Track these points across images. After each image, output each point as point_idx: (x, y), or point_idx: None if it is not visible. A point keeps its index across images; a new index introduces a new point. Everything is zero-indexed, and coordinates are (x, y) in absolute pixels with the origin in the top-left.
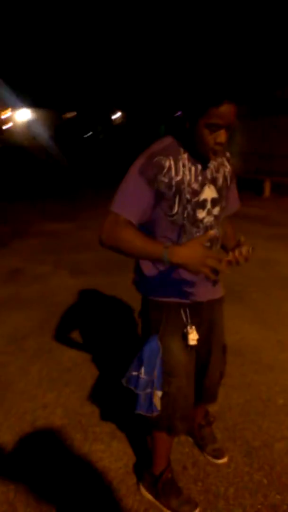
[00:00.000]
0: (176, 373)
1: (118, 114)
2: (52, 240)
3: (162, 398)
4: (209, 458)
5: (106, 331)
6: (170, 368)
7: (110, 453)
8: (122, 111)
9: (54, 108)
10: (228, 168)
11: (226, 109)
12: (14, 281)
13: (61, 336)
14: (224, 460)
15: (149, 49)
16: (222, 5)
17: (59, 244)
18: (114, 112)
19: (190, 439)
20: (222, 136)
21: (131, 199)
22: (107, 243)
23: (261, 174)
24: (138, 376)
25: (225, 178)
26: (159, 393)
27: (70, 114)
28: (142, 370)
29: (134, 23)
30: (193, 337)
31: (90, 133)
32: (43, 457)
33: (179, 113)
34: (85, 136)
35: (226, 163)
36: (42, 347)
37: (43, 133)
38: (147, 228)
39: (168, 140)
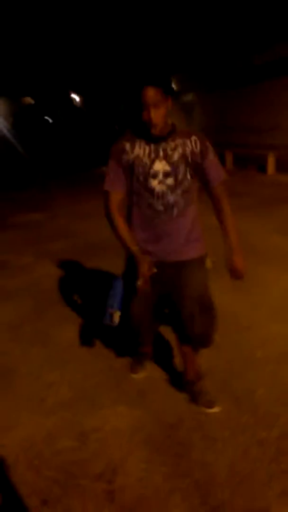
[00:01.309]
0: (132, 302)
1: (77, 97)
2: (29, 231)
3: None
4: (203, 408)
5: (95, 309)
6: (127, 299)
7: (116, 416)
8: (80, 94)
9: (10, 96)
10: (190, 147)
11: (145, 92)
12: (0, 273)
13: (55, 319)
14: (216, 409)
15: (103, 35)
16: None
17: (36, 235)
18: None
19: (186, 397)
20: (150, 112)
21: (112, 178)
22: (106, 217)
23: (222, 147)
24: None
25: (183, 155)
26: (118, 312)
27: (27, 101)
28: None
29: (88, 12)
30: (139, 282)
31: (50, 120)
32: (58, 427)
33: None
34: (47, 121)
35: (189, 143)
36: (38, 332)
37: (2, 123)
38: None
39: (127, 133)
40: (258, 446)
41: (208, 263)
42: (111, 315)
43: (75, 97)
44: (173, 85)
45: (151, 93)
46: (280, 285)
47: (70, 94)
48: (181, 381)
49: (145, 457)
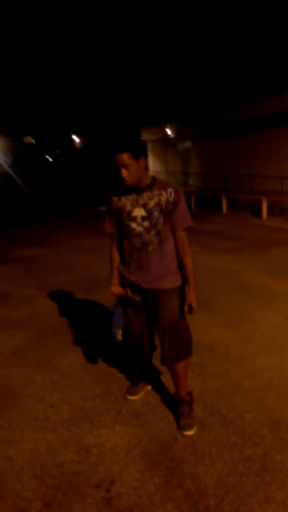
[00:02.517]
0: (129, 322)
1: (77, 139)
2: (30, 265)
3: (122, 334)
4: (180, 430)
5: (95, 339)
6: (125, 318)
7: (114, 434)
8: (80, 136)
9: (11, 135)
10: (165, 197)
11: (117, 157)
12: (3, 304)
13: (56, 347)
14: (190, 432)
15: (105, 80)
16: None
17: (37, 268)
18: (74, 136)
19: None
20: (122, 172)
21: (107, 222)
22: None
23: (218, 192)
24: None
25: (158, 203)
26: (120, 331)
27: (28, 140)
28: (112, 322)
29: (91, 56)
30: (137, 297)
31: (50, 159)
32: (59, 442)
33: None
34: (47, 159)
35: (165, 194)
36: (41, 359)
37: (3, 161)
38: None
39: (115, 187)
40: (244, 462)
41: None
42: (115, 334)
43: (76, 139)
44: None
45: (121, 157)
46: (268, 322)
47: (70, 135)
48: (175, 402)
49: (140, 470)
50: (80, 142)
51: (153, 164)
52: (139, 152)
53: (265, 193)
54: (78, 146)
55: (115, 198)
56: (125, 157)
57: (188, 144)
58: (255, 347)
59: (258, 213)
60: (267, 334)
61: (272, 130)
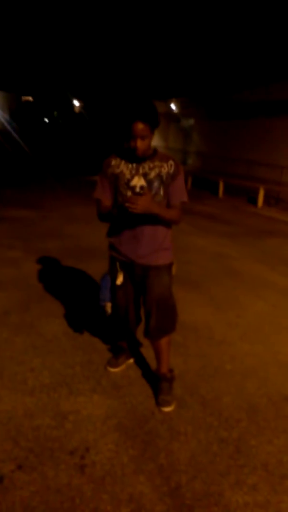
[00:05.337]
0: (116, 295)
1: (77, 103)
2: (19, 227)
3: (111, 306)
4: (158, 406)
5: (81, 308)
6: (113, 292)
7: (92, 403)
8: (80, 100)
9: (11, 91)
10: (166, 169)
11: (136, 125)
12: None
13: (41, 313)
14: (168, 409)
15: (106, 48)
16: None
17: (26, 231)
18: (74, 100)
19: None
20: (137, 142)
21: (101, 188)
22: (99, 218)
23: (216, 175)
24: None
25: (158, 175)
26: (109, 304)
27: (26, 98)
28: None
29: (93, 22)
30: (119, 280)
31: (47, 120)
32: (37, 406)
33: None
34: (44, 120)
35: (166, 166)
36: (24, 322)
37: (1, 115)
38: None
39: (113, 155)
40: (219, 443)
41: (174, 270)
42: (104, 307)
43: (75, 102)
44: (175, 108)
45: (140, 127)
46: (254, 309)
47: (69, 98)
48: (155, 378)
49: (115, 441)
50: (79, 106)
51: (154, 139)
52: (156, 125)
53: (263, 181)
54: (77, 110)
55: (114, 164)
56: (144, 128)
57: (190, 122)
58: (240, 332)
59: (254, 201)
60: (252, 321)
61: (276, 118)
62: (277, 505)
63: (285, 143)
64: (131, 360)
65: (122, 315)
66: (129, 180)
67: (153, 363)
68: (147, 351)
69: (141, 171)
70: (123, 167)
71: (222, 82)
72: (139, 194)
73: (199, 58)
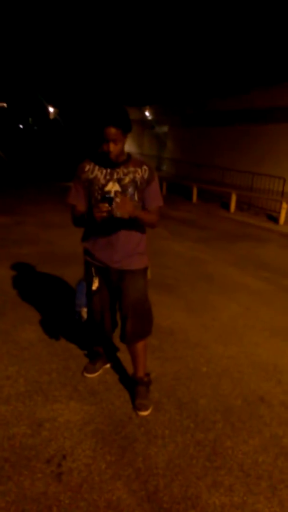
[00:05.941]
0: (91, 301)
1: (51, 109)
2: None
3: (87, 312)
4: (135, 410)
5: (56, 314)
6: (89, 298)
7: (69, 410)
8: (55, 107)
9: None
10: (140, 174)
11: (108, 130)
12: None
13: (16, 320)
14: (145, 413)
15: (81, 54)
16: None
17: (0, 237)
18: (49, 106)
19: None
20: (110, 146)
21: (74, 194)
22: (74, 224)
23: (190, 181)
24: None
25: (133, 180)
26: (85, 309)
27: (1, 104)
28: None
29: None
30: (95, 285)
31: (21, 126)
32: (12, 415)
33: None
34: (18, 126)
35: (140, 171)
36: None
37: None
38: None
39: (87, 160)
40: (195, 446)
41: (149, 274)
42: (80, 312)
43: (50, 109)
44: (149, 115)
45: (112, 131)
46: (228, 311)
47: (44, 105)
48: (132, 382)
49: (92, 447)
50: (54, 112)
51: (128, 146)
52: (128, 129)
53: (235, 187)
54: (52, 116)
55: (88, 169)
56: (116, 132)
57: (164, 129)
58: (214, 335)
59: (226, 206)
60: (226, 323)
61: (247, 125)
62: (253, 505)
63: (256, 151)
64: (108, 365)
65: (98, 320)
66: (104, 186)
67: (130, 368)
68: (124, 356)
69: (115, 176)
70: (97, 172)
71: (196, 90)
72: (112, 198)
73: (173, 66)
